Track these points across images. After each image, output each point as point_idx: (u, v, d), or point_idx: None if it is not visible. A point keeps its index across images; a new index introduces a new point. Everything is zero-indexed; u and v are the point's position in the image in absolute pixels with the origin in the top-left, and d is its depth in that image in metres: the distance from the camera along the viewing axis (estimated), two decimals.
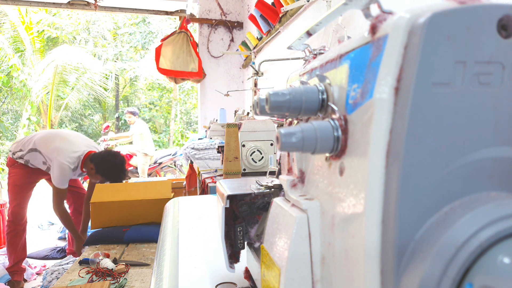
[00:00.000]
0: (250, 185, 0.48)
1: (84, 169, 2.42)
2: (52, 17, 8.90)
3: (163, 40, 4.13)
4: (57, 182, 2.34)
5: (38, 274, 2.60)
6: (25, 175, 2.45)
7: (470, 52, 0.22)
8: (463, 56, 0.22)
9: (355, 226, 0.24)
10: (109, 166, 2.36)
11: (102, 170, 2.35)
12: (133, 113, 5.31)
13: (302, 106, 0.29)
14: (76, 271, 1.54)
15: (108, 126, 6.09)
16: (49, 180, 2.54)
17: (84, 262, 1.62)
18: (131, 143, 5.43)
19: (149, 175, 5.42)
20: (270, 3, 2.61)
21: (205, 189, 1.81)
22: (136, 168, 5.32)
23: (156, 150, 6.47)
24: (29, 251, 2.99)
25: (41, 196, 5.96)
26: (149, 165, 5.39)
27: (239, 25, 4.32)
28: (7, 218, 2.50)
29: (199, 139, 3.23)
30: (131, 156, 5.34)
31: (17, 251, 2.44)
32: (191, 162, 2.76)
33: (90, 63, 8.62)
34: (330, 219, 0.28)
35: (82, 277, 1.48)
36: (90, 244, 1.94)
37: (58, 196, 2.40)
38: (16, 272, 2.43)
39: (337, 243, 0.27)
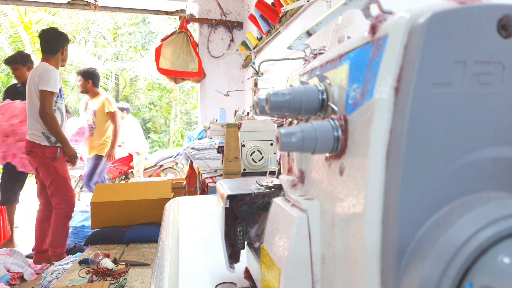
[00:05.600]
0: (250, 185, 0.48)
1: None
2: (52, 17, 8.87)
3: (163, 40, 4.13)
4: (47, 84, 2.41)
5: (38, 274, 2.60)
6: (65, 164, 2.63)
7: (470, 52, 0.22)
8: (463, 56, 0.22)
9: (355, 226, 0.24)
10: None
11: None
12: (121, 109, 4.96)
13: (302, 106, 0.29)
14: (76, 271, 1.54)
15: None
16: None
17: (84, 262, 1.62)
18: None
19: (149, 176, 5.32)
20: (270, 3, 2.61)
21: (205, 189, 1.81)
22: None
23: (156, 150, 6.38)
24: (29, 251, 2.99)
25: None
26: (145, 165, 5.17)
27: (239, 25, 4.31)
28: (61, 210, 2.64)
29: (199, 139, 3.23)
30: (132, 157, 5.25)
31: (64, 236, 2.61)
32: (191, 162, 2.76)
33: (89, 63, 8.60)
34: (330, 219, 0.28)
35: (82, 277, 1.48)
36: (90, 244, 1.94)
37: (49, 99, 2.45)
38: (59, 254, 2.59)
39: (337, 243, 0.27)
